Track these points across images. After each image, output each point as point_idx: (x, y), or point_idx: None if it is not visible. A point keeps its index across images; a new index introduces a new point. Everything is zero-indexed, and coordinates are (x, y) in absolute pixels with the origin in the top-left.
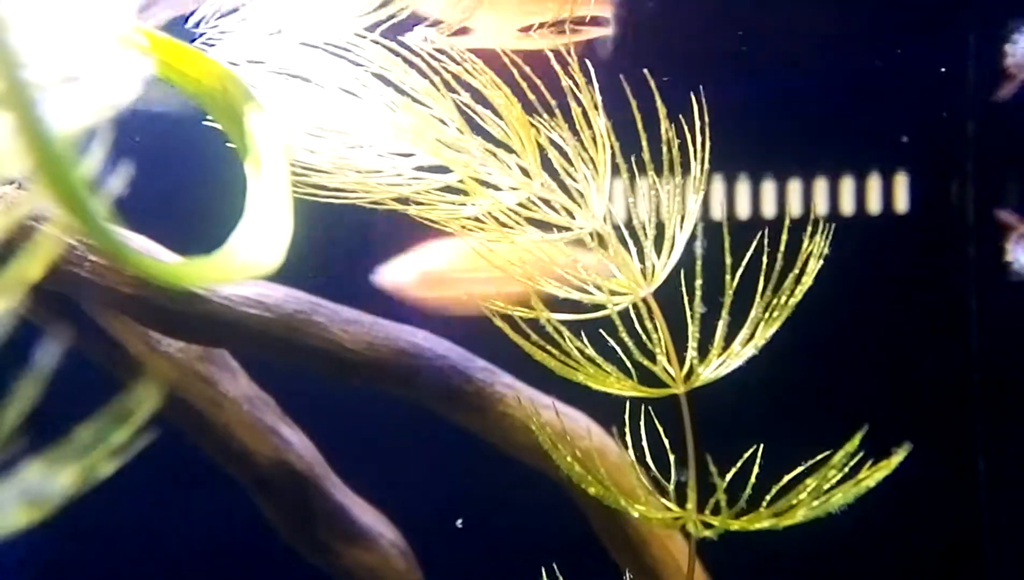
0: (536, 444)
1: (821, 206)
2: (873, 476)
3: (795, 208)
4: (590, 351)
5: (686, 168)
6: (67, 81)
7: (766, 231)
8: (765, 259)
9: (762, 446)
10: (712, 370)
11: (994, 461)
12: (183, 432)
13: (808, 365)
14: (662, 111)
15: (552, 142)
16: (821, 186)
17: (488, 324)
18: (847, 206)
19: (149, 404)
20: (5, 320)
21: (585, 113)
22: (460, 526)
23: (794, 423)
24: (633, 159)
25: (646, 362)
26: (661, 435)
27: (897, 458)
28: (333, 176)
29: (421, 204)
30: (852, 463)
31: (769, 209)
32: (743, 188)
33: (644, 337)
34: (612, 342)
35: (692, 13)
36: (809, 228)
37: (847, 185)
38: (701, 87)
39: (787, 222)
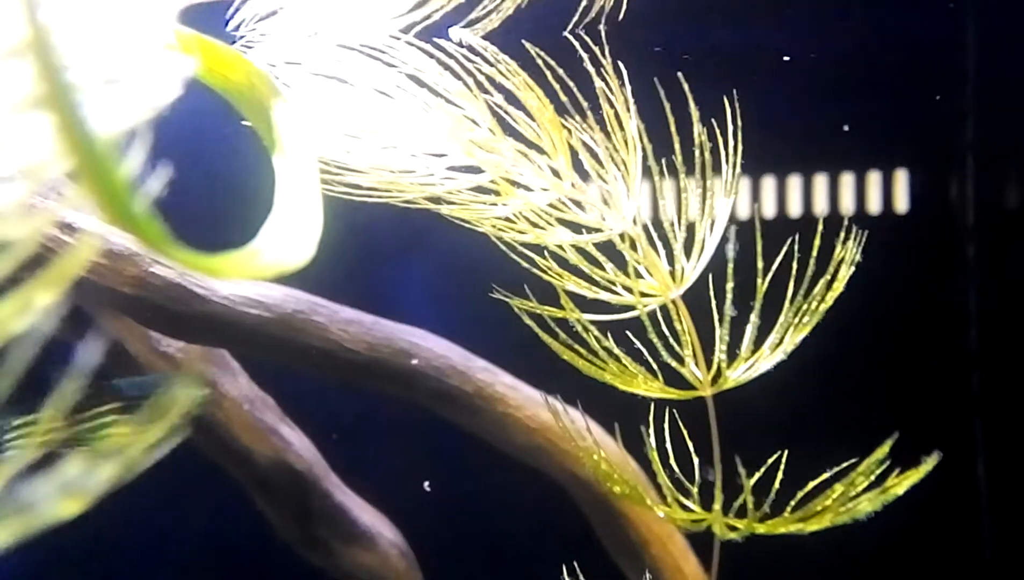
0: (536, 444)
1: (820, 205)
2: (902, 484)
3: (795, 207)
4: (617, 351)
5: (717, 168)
6: (109, 82)
7: (797, 235)
8: (795, 263)
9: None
10: (740, 373)
11: (994, 461)
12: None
13: (805, 366)
14: (695, 114)
15: (583, 143)
16: (820, 185)
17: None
18: (846, 205)
19: (185, 402)
20: (43, 323)
21: (617, 114)
22: (428, 489)
23: (791, 424)
24: (664, 160)
25: (674, 364)
26: (663, 437)
27: (927, 466)
28: (367, 175)
29: (453, 204)
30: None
31: (769, 209)
32: (742, 188)
33: (671, 339)
34: (639, 343)
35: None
36: (842, 233)
37: (846, 184)
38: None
39: (819, 225)
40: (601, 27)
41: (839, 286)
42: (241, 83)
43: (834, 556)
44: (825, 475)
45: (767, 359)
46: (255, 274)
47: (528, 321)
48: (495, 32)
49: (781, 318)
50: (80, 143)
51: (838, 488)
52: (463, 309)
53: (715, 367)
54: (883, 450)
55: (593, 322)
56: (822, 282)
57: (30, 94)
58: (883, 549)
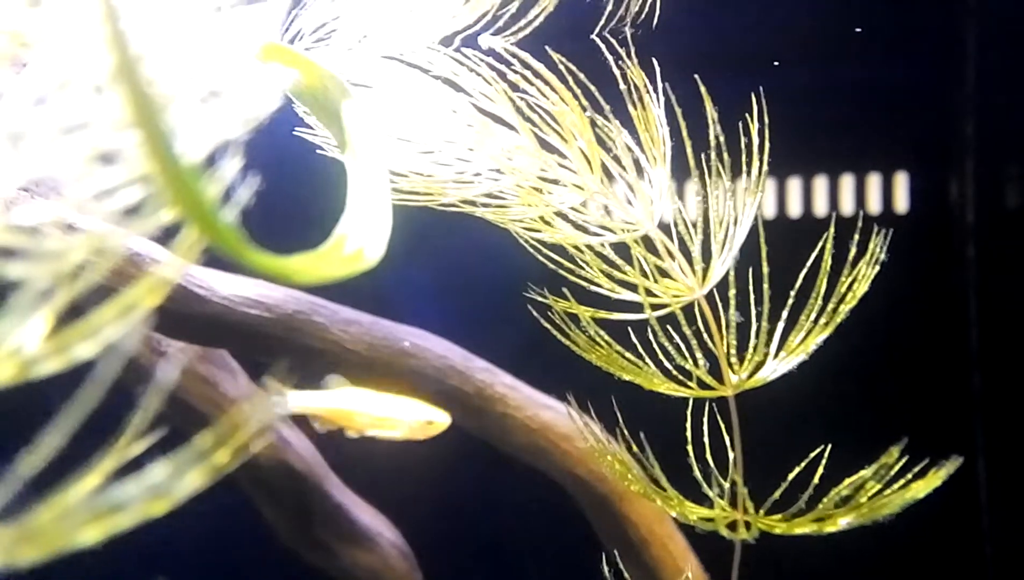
0: (536, 445)
1: (821, 205)
2: (924, 486)
3: (795, 208)
4: (638, 351)
5: (738, 168)
6: (208, 96)
7: (804, 237)
8: (806, 264)
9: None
10: (763, 373)
11: (994, 461)
12: (183, 433)
13: (804, 366)
14: (712, 114)
15: (613, 145)
16: (820, 185)
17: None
18: (846, 205)
19: (268, 412)
20: (126, 342)
21: (645, 117)
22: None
23: (789, 424)
24: (692, 160)
25: (688, 366)
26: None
27: (948, 468)
28: (407, 179)
29: (488, 206)
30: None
31: (769, 210)
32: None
33: (694, 339)
34: (660, 344)
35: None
36: (858, 234)
37: (846, 184)
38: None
39: (831, 226)
40: (627, 29)
41: (863, 286)
42: (315, 87)
43: (834, 555)
44: (864, 472)
45: (785, 360)
46: (329, 275)
47: (545, 323)
48: (536, 39)
49: (801, 318)
50: (164, 157)
51: (843, 490)
52: (465, 310)
53: (741, 366)
54: (892, 455)
55: (617, 322)
56: (844, 282)
57: (120, 114)
58: (883, 548)
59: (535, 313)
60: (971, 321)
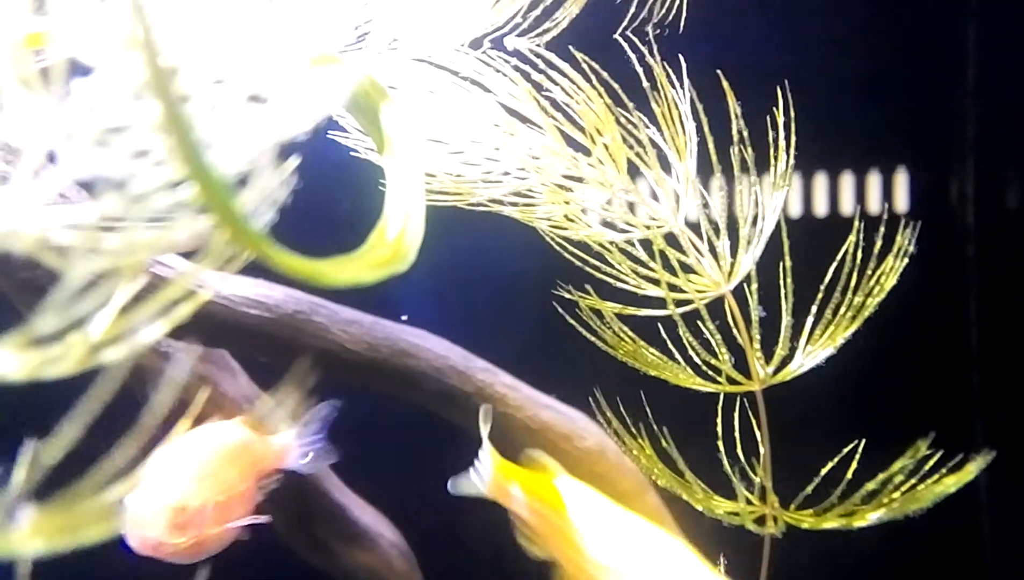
0: (536, 444)
1: (821, 205)
2: (959, 480)
3: (795, 208)
4: (666, 347)
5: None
6: (259, 101)
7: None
8: (854, 258)
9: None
10: (790, 367)
11: (994, 461)
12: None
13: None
14: (735, 109)
15: (639, 143)
16: (820, 184)
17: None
18: (846, 205)
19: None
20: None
21: (671, 116)
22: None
23: (788, 423)
24: (716, 158)
25: (713, 361)
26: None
27: (978, 463)
28: (435, 178)
29: (515, 205)
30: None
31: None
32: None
33: (720, 334)
34: (685, 339)
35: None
36: (883, 228)
37: (846, 184)
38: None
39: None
40: (648, 29)
41: (891, 279)
42: (357, 92)
43: (833, 554)
44: (893, 468)
45: (812, 354)
46: (361, 278)
47: (571, 320)
48: (563, 39)
49: (827, 313)
50: (194, 164)
51: (870, 486)
52: (483, 308)
53: (771, 361)
54: (920, 450)
55: (648, 319)
56: (871, 276)
57: (154, 121)
58: (882, 548)
59: (561, 310)
60: (971, 321)
